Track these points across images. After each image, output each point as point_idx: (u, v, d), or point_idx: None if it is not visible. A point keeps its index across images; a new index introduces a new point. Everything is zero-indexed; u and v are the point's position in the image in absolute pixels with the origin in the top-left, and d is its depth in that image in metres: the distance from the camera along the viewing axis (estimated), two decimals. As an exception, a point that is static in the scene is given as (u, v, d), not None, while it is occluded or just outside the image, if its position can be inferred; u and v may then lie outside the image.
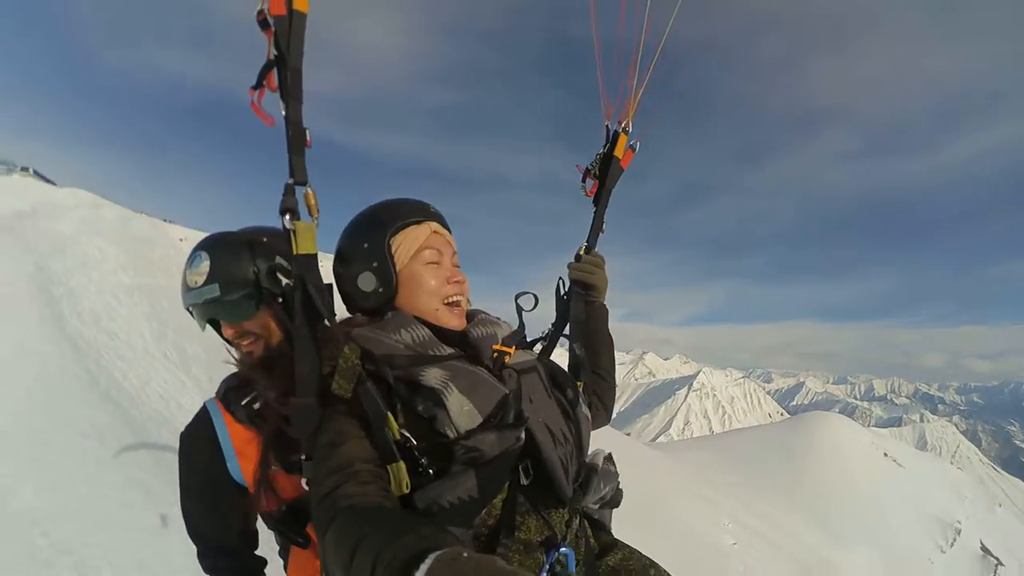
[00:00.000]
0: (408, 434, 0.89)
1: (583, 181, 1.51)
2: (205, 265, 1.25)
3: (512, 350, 1.08)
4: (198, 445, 1.25)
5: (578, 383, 1.23)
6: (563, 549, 0.98)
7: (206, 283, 1.24)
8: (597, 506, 1.19)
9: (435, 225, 1.13)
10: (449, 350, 1.04)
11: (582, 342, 1.40)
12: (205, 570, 1.33)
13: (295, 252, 0.97)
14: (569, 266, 1.48)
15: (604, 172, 1.49)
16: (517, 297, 1.31)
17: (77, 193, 15.46)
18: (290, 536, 1.27)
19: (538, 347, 1.34)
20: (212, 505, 1.27)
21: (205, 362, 8.40)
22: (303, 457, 1.00)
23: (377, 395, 0.91)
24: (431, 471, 0.89)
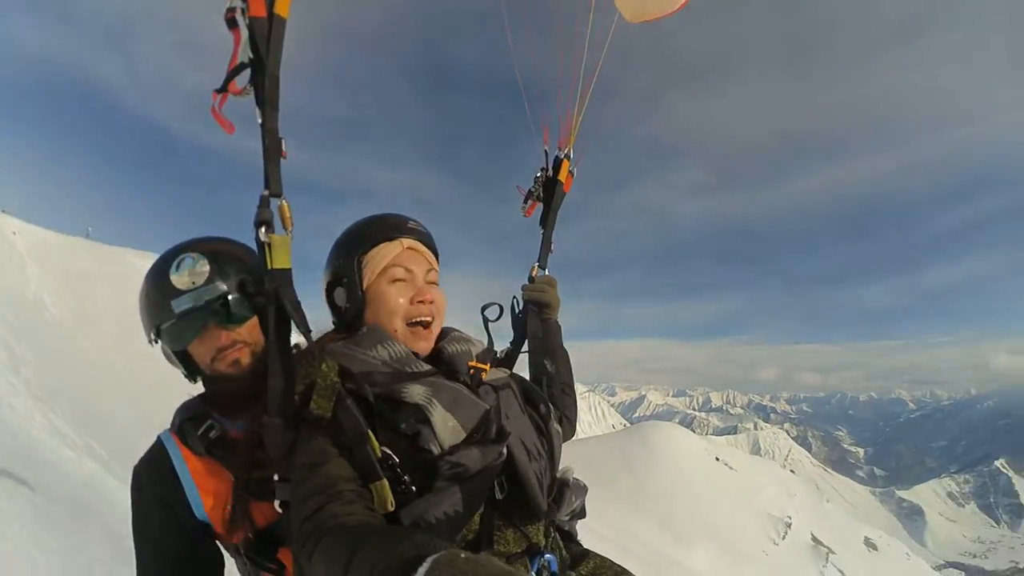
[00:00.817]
0: (390, 451, 0.88)
1: (524, 202, 1.58)
2: (203, 264, 1.18)
3: (488, 367, 1.08)
4: (155, 481, 1.16)
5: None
6: (547, 556, 0.99)
7: (207, 283, 1.17)
8: (568, 518, 1.21)
9: (409, 242, 1.11)
10: (426, 367, 1.04)
11: (542, 359, 1.42)
12: None
13: (269, 266, 0.95)
14: (523, 287, 1.53)
15: (549, 195, 1.57)
16: (484, 309, 1.31)
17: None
18: (262, 564, 1.17)
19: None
20: (174, 546, 1.15)
21: (35, 364, 7.80)
22: (276, 478, 0.97)
23: (358, 413, 0.90)
24: (413, 488, 0.88)
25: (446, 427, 0.90)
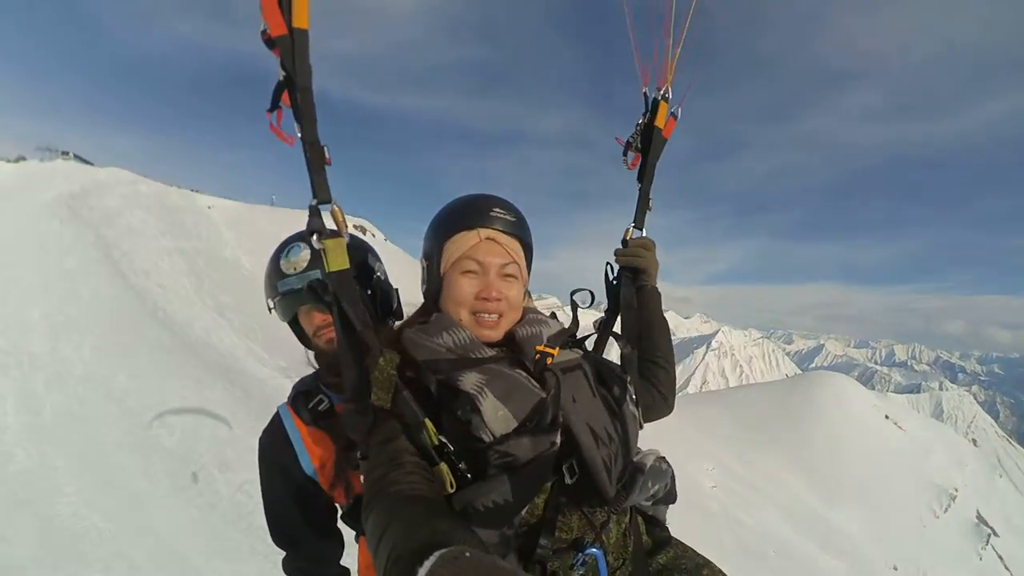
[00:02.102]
0: (445, 440, 0.90)
1: (624, 154, 1.42)
2: (306, 253, 1.37)
3: (556, 351, 1.05)
4: (274, 447, 1.35)
5: (627, 377, 1.16)
6: (591, 550, 0.98)
7: (308, 268, 1.36)
8: (649, 503, 1.16)
9: (488, 232, 1.07)
10: (490, 352, 1.03)
11: (635, 330, 1.34)
12: (289, 574, 1.42)
13: (328, 270, 1.00)
14: (616, 252, 1.41)
15: (647, 144, 1.40)
16: (573, 294, 1.28)
17: (115, 172, 16.85)
18: (355, 528, 1.37)
19: (591, 341, 1.31)
20: (293, 500, 1.34)
21: (235, 308, 10.80)
22: (359, 456, 1.04)
23: (413, 403, 0.93)
24: (468, 475, 0.90)
25: (496, 416, 0.90)
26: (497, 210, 1.09)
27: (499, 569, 0.57)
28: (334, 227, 1.03)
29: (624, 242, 1.42)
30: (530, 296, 1.22)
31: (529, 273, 1.16)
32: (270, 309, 1.46)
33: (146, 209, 13.41)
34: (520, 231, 1.12)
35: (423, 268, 1.14)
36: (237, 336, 9.55)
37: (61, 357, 5.96)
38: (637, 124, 1.42)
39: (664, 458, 1.14)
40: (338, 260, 1.02)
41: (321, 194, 1.00)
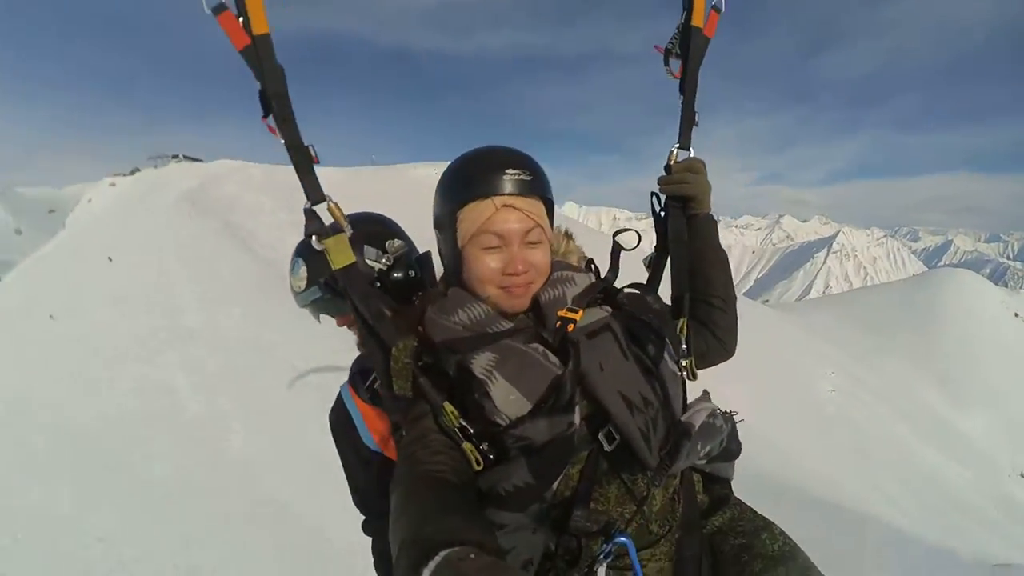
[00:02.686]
0: (465, 423, 0.88)
1: (666, 63, 1.25)
2: (303, 271, 1.42)
3: (579, 315, 0.98)
4: (339, 425, 1.41)
5: (682, 321, 1.09)
6: (620, 539, 0.90)
7: (307, 287, 1.40)
8: (704, 462, 1.06)
9: (504, 199, 0.98)
10: (508, 324, 0.99)
11: (688, 266, 1.19)
12: (369, 534, 1.46)
13: (334, 268, 0.98)
14: (660, 180, 1.23)
15: (686, 48, 1.22)
16: (615, 235, 1.21)
17: (224, 163, 18.69)
18: None
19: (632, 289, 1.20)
20: (365, 472, 1.38)
21: None
22: (400, 434, 1.06)
23: (432, 389, 0.90)
24: (491, 456, 0.88)
25: (507, 400, 0.87)
26: (511, 171, 0.99)
27: (501, 572, 0.58)
28: (333, 222, 1.00)
29: (667, 168, 1.23)
30: (570, 238, 1.17)
31: (552, 226, 1.09)
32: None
33: (259, 190, 14.77)
34: (540, 189, 1.02)
35: (437, 238, 1.08)
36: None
37: (215, 326, 7.19)
38: (677, 25, 1.23)
39: (720, 411, 1.03)
40: (341, 256, 0.99)
41: (314, 195, 0.98)
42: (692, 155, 1.24)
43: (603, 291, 1.08)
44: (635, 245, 1.21)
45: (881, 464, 10.07)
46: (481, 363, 0.91)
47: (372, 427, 1.35)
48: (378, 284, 1.38)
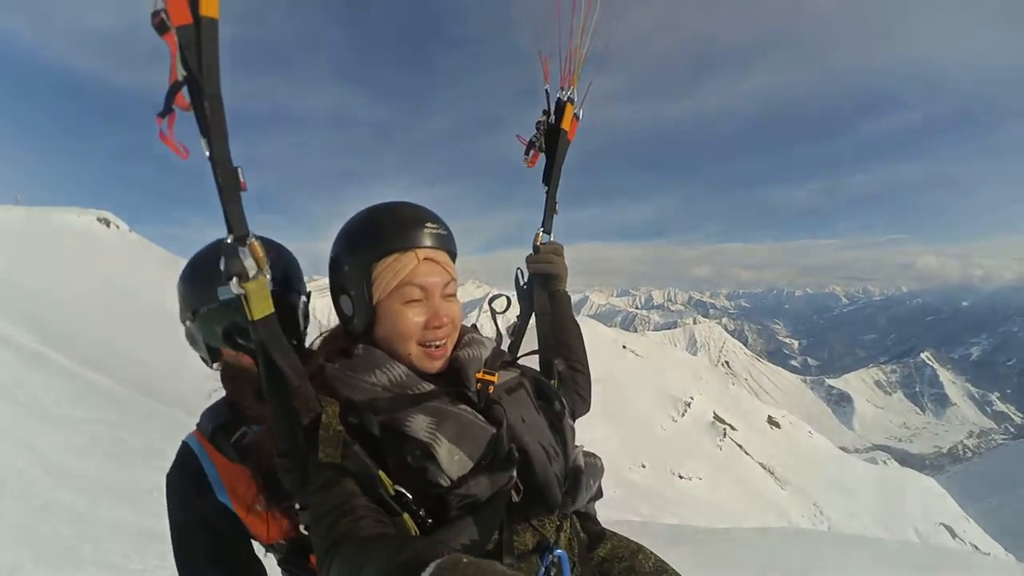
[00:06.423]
0: (402, 489, 0.85)
1: (526, 153, 1.39)
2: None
3: (495, 377, 1.02)
4: (186, 485, 1.21)
5: (554, 382, 1.18)
6: (557, 552, 0.96)
7: (193, 344, 1.29)
8: (585, 502, 1.13)
9: (425, 252, 0.98)
10: (429, 386, 0.98)
11: (552, 335, 1.34)
12: None
13: (251, 318, 0.87)
14: (528, 259, 1.40)
15: (551, 146, 1.37)
16: (490, 301, 1.26)
17: None
18: (296, 573, 1.26)
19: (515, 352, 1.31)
20: (213, 547, 1.20)
21: None
22: (297, 507, 0.99)
23: (365, 456, 0.86)
24: (430, 521, 0.87)
25: (452, 461, 0.87)
26: (430, 224, 1.00)
27: (501, 573, 0.58)
28: (253, 265, 0.84)
29: (535, 248, 1.40)
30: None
31: None
32: (190, 333, 1.28)
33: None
34: (452, 244, 1.05)
35: (347, 296, 1.00)
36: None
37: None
38: (538, 123, 1.38)
39: (591, 453, 1.14)
40: (261, 305, 0.87)
41: (238, 228, 0.83)
42: (552, 239, 1.42)
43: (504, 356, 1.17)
44: (505, 308, 1.30)
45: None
46: (421, 425, 0.89)
47: (234, 492, 1.20)
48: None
